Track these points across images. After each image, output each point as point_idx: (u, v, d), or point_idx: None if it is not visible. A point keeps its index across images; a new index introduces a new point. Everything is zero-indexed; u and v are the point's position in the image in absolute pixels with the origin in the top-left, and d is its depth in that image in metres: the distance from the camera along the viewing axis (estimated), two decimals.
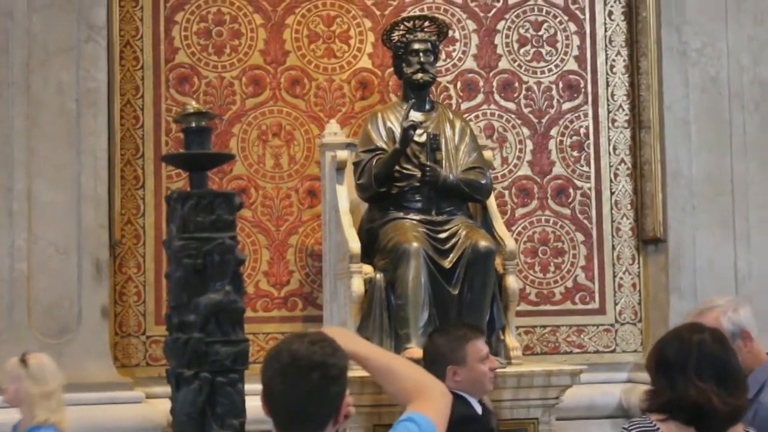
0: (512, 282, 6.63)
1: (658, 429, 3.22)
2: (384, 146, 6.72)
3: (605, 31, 7.85)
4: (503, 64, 7.73)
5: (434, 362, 4.80)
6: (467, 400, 4.71)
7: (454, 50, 7.67)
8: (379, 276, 6.46)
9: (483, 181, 6.75)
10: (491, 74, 7.71)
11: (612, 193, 7.79)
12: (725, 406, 3.16)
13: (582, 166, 7.78)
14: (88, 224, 6.75)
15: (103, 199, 6.82)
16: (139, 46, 7.21)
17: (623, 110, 7.83)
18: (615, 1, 7.86)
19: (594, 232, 7.77)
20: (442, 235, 6.51)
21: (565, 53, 7.81)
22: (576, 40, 7.82)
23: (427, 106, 6.89)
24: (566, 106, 7.79)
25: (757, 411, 3.73)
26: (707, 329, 3.31)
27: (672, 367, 3.22)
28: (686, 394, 3.18)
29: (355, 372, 3.39)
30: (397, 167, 6.65)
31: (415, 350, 5.85)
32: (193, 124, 4.00)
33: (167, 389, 4.03)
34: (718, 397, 3.16)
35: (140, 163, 7.14)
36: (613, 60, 7.84)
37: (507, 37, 7.75)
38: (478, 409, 4.79)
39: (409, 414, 2.94)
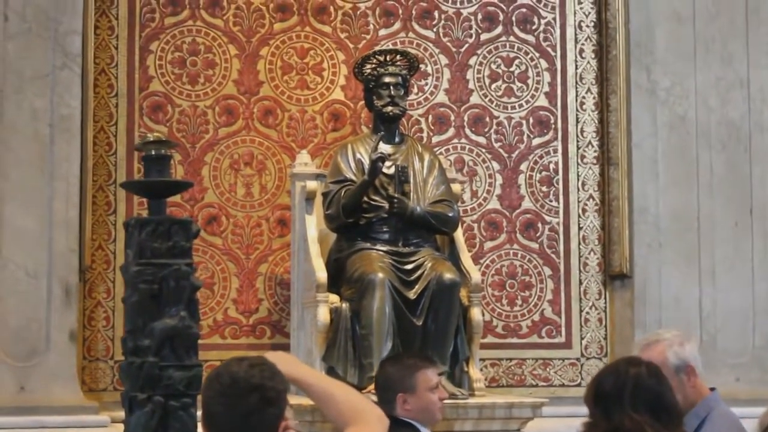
0: (477, 314, 6.70)
1: None
2: (353, 178, 6.81)
3: (576, 68, 7.96)
4: (474, 98, 7.83)
5: (384, 390, 4.86)
6: (417, 429, 4.77)
7: (426, 84, 7.77)
8: (344, 305, 6.54)
9: (450, 214, 6.85)
10: (462, 109, 7.81)
11: (580, 229, 7.88)
12: None
13: (551, 201, 7.87)
14: (59, 248, 6.81)
15: (74, 224, 6.87)
16: (113, 74, 7.30)
17: (592, 147, 7.93)
18: (586, 40, 7.97)
19: (561, 267, 7.85)
20: (408, 267, 6.59)
21: (536, 89, 7.92)
22: (547, 77, 7.93)
23: (397, 139, 6.99)
24: (536, 141, 7.89)
25: None
26: (644, 363, 3.39)
27: (608, 399, 3.30)
28: (621, 425, 3.26)
29: None
30: (365, 199, 6.74)
31: None
32: (153, 152, 4.06)
33: None
34: (652, 429, 3.24)
35: (112, 190, 7.21)
36: (583, 97, 7.95)
37: (479, 72, 7.85)
38: None
39: None
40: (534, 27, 7.95)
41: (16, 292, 6.73)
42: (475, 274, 6.84)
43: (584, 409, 8.01)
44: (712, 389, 4.34)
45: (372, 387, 5.97)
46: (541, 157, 7.88)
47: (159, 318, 4.01)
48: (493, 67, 7.88)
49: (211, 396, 2.92)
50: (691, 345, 4.20)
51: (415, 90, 7.66)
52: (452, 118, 7.80)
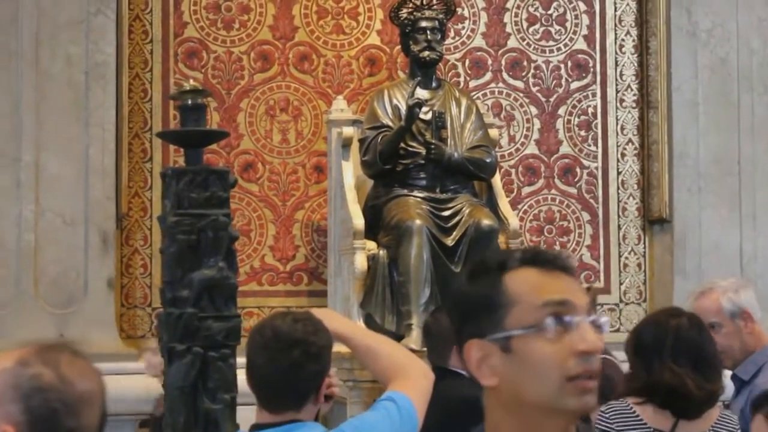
0: None
1: (635, 412, 3.27)
2: (390, 123, 6.76)
3: (615, 10, 7.84)
4: (512, 42, 7.74)
5: (438, 340, 4.81)
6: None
7: (463, 28, 7.68)
8: (382, 252, 6.52)
9: (488, 160, 6.80)
10: (500, 52, 7.72)
11: (619, 173, 7.80)
12: (700, 390, 3.21)
13: (589, 145, 7.80)
14: (95, 196, 6.82)
15: (110, 172, 6.88)
16: (148, 20, 7.25)
17: (631, 90, 7.83)
18: None
19: (600, 212, 7.79)
20: (446, 213, 6.56)
21: (575, 32, 7.81)
22: (585, 20, 7.82)
23: (434, 84, 6.93)
24: (574, 85, 7.80)
25: (752, 392, 3.73)
26: (685, 314, 3.35)
27: (648, 350, 3.27)
28: (662, 377, 3.22)
29: None
30: (402, 145, 6.69)
31: None
32: (189, 102, 4.02)
33: None
34: (693, 382, 3.21)
35: (148, 137, 7.19)
36: (623, 40, 7.84)
37: (516, 15, 7.75)
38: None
39: (389, 393, 3.01)
40: None
41: (53, 240, 6.75)
42: (513, 220, 6.80)
43: (623, 354, 8.00)
44: None
45: (410, 339, 5.98)
46: (579, 101, 7.80)
47: (197, 269, 3.99)
48: (531, 10, 7.78)
49: (253, 349, 2.95)
50: (747, 291, 4.14)
51: (452, 34, 7.57)
52: (489, 62, 7.72)
